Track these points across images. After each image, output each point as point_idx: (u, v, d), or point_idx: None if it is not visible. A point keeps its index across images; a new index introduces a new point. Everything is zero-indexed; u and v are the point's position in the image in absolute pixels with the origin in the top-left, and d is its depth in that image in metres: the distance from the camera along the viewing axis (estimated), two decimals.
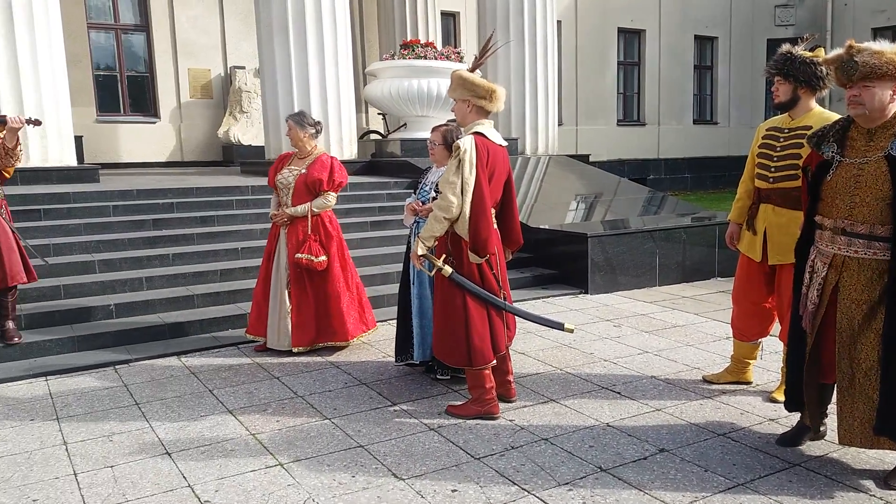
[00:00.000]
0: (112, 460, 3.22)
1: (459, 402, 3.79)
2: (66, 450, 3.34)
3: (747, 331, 3.92)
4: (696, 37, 17.73)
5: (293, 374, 4.41)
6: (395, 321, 4.48)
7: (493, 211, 3.65)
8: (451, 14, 15.11)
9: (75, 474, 3.09)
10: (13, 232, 4.55)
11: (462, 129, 3.76)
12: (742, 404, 3.76)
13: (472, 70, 3.74)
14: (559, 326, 3.76)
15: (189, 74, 12.51)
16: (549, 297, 6.40)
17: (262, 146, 10.45)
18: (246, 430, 3.55)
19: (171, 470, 3.12)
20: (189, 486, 2.98)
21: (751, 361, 4.03)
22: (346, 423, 3.62)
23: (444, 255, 3.58)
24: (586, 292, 6.53)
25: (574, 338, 5.03)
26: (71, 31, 9.75)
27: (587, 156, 11.91)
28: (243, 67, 12.55)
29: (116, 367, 4.56)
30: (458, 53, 10.30)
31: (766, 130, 3.71)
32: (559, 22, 14.19)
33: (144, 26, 12.21)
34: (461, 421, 3.61)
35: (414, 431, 3.51)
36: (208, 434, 3.51)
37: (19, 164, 4.64)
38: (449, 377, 4.21)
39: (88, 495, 2.90)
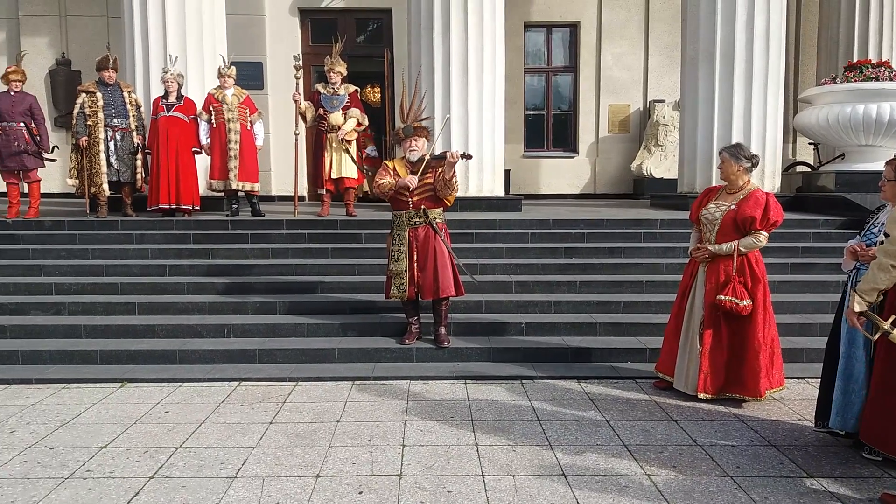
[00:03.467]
0: (514, 469, 3.44)
1: None
2: (477, 451, 3.68)
3: None
4: None
5: (693, 420, 4.16)
6: (812, 379, 3.91)
7: None
8: None
9: (482, 476, 3.38)
10: (449, 252, 5.27)
11: None
12: None
13: None
14: None
15: (609, 110, 13.03)
16: None
17: (674, 179, 10.27)
18: (640, 469, 3.44)
19: (567, 493, 3.19)
20: None
21: None
22: (750, 486, 3.25)
23: (893, 316, 2.96)
24: None
25: None
26: (510, 76, 10.98)
27: None
28: (663, 101, 12.58)
29: (523, 381, 4.90)
30: None
31: None
32: None
33: (573, 67, 13.13)
34: None
35: None
36: (603, 464, 3.50)
37: (457, 194, 5.35)
38: (881, 459, 3.49)
39: (493, 498, 3.13)
